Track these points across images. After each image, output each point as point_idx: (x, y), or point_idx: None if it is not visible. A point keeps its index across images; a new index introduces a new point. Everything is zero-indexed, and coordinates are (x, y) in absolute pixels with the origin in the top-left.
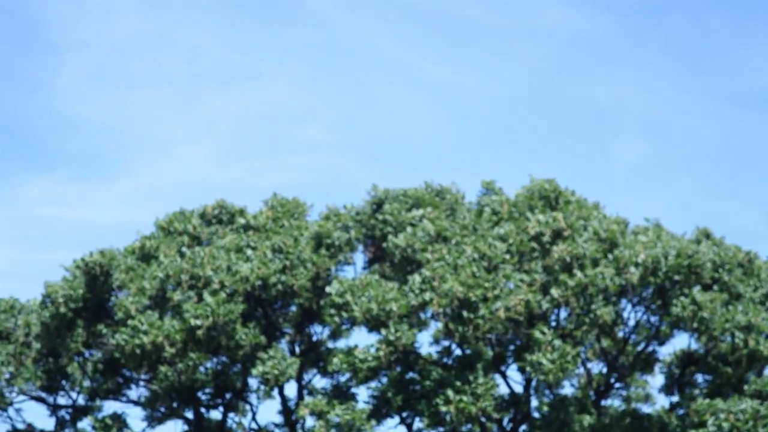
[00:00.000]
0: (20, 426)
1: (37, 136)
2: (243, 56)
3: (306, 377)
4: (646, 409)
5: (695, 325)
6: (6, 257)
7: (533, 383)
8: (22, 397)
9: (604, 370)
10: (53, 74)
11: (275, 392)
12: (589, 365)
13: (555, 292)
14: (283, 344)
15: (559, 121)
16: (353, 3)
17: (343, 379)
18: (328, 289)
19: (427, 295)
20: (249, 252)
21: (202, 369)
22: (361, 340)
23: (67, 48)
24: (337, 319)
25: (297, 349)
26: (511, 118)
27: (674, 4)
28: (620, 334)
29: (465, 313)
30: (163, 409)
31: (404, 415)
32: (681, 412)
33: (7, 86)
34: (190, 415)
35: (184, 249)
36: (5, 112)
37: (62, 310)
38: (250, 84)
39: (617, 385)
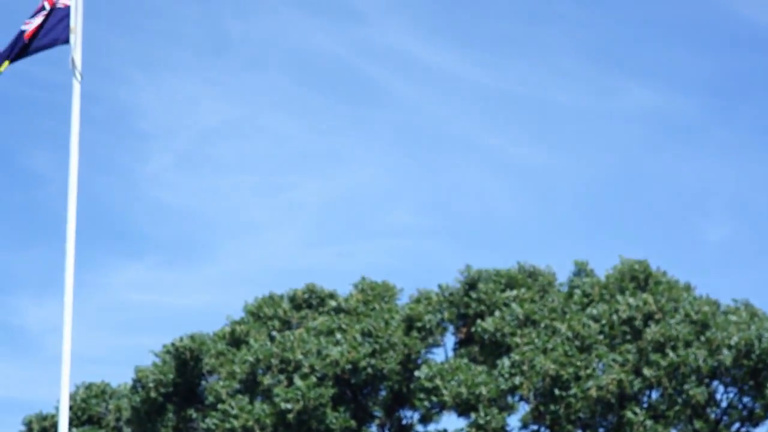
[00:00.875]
0: None
1: (127, 222)
2: (329, 141)
3: None
4: None
5: None
6: (96, 342)
7: None
8: None
9: None
10: (142, 161)
11: None
12: None
13: (647, 372)
14: (373, 428)
15: (647, 201)
16: (438, 87)
17: None
18: (417, 373)
19: (517, 379)
20: (339, 335)
21: None
22: (451, 424)
23: (155, 136)
24: (426, 403)
25: None
26: (600, 199)
27: (760, 84)
28: (713, 416)
29: (557, 391)
30: None
31: None
32: None
33: (97, 173)
34: None
35: (274, 333)
36: (96, 199)
37: (153, 394)
38: (336, 168)
39: None
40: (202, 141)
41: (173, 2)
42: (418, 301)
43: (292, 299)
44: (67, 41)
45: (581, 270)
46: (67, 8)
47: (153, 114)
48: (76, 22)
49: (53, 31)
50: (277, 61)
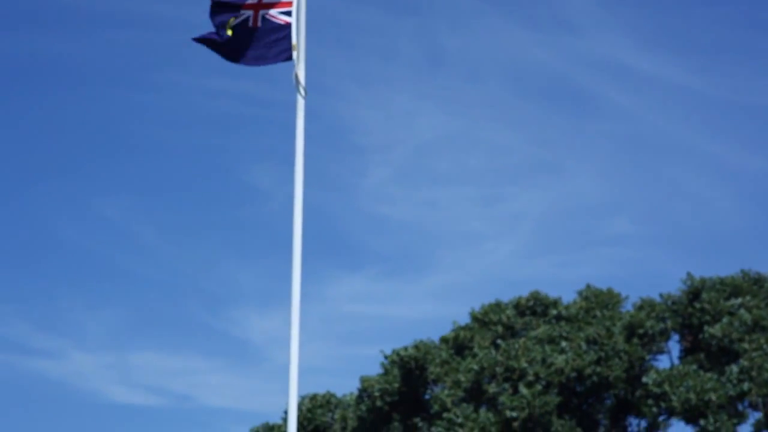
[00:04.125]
0: None
1: (347, 235)
2: (546, 152)
3: None
4: None
5: None
6: (320, 353)
7: None
8: None
9: None
10: (360, 176)
11: None
12: None
13: None
14: None
15: None
16: (655, 96)
17: None
18: (644, 379)
19: (746, 386)
20: (563, 343)
21: None
22: None
23: (373, 150)
24: (654, 409)
25: None
26: None
27: None
28: None
29: None
30: None
31: None
32: None
33: (317, 188)
34: None
35: (498, 341)
36: (318, 213)
37: (378, 404)
38: (554, 179)
39: None
40: (419, 154)
41: (389, 19)
42: (640, 308)
43: (517, 306)
44: (289, 58)
45: None
46: (289, 25)
47: (371, 129)
48: (298, 38)
49: (276, 46)
50: (493, 74)
